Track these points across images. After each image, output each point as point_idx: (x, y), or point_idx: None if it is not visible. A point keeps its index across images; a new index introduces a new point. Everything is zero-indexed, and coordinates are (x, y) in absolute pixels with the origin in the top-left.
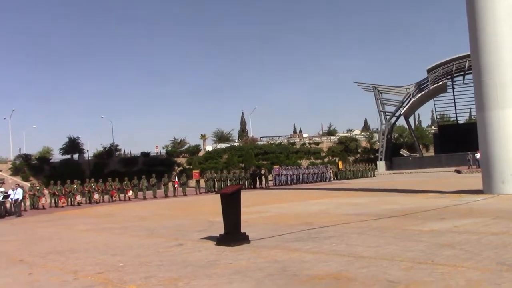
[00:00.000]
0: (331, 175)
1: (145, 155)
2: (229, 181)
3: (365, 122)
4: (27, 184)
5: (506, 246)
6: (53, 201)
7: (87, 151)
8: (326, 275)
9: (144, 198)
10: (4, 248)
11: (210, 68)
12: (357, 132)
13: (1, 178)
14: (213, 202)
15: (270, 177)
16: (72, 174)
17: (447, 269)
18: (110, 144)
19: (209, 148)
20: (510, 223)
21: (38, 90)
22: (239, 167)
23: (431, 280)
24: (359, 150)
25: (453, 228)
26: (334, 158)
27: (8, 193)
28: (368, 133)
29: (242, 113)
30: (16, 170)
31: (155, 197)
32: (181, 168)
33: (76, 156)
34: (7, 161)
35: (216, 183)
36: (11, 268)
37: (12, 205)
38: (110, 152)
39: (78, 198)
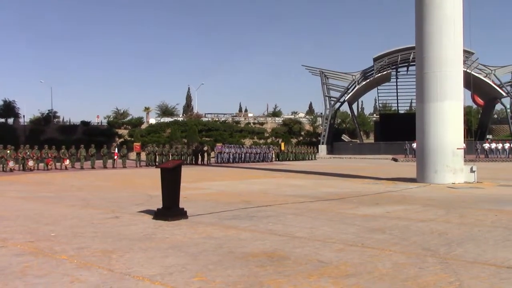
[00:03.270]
0: (273, 156)
1: (85, 124)
2: (170, 156)
3: (310, 106)
4: None
5: (432, 232)
6: None
7: (23, 116)
8: (260, 253)
9: (82, 168)
10: None
11: (158, 38)
12: (301, 115)
13: None
14: (152, 176)
15: (212, 154)
16: (5, 139)
17: (375, 252)
18: (49, 110)
19: (152, 121)
20: (438, 211)
21: None
22: (182, 143)
23: (360, 262)
24: (302, 133)
25: (385, 214)
26: (277, 140)
27: None
28: (312, 117)
29: (188, 88)
30: None
31: (93, 167)
32: (122, 139)
33: (11, 121)
34: None
35: (157, 157)
36: None
37: None
38: (48, 119)
39: (11, 164)
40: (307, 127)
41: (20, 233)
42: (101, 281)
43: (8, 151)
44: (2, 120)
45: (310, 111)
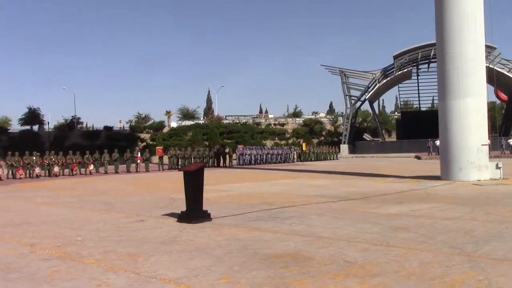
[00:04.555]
0: (295, 157)
1: (108, 129)
2: (192, 159)
3: (331, 106)
4: None
5: (459, 230)
6: (10, 172)
7: (48, 122)
8: (285, 254)
9: (106, 173)
10: None
11: (178, 45)
12: (322, 115)
13: None
14: (175, 179)
15: (234, 156)
16: (31, 146)
17: (401, 251)
18: (72, 116)
19: (174, 125)
20: (464, 208)
21: None
22: (204, 145)
23: (386, 261)
24: (323, 133)
25: (409, 212)
26: (299, 140)
27: None
28: (333, 117)
29: (209, 90)
30: None
31: (116, 172)
32: (144, 143)
33: (36, 128)
34: None
35: (179, 160)
36: None
37: None
38: (71, 125)
39: (37, 170)
40: (328, 126)
41: (47, 238)
42: (128, 284)
43: (34, 158)
44: (28, 127)
45: (331, 110)
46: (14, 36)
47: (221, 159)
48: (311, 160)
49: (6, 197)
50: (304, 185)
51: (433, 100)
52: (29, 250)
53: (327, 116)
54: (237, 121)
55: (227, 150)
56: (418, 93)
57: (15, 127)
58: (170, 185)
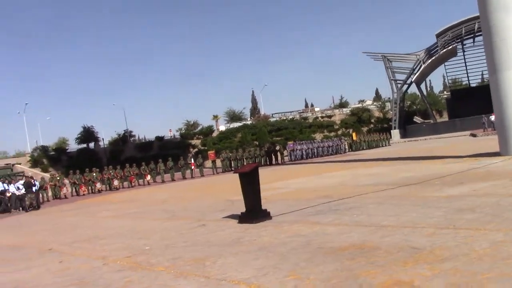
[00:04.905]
0: (346, 147)
1: (160, 139)
2: (244, 160)
3: (376, 92)
4: (47, 175)
5: None
6: (74, 190)
7: (103, 139)
8: (350, 246)
9: (163, 181)
10: (33, 238)
11: (216, 48)
12: (369, 102)
13: (21, 171)
14: (231, 181)
15: (285, 152)
16: (89, 163)
17: (469, 233)
18: (124, 130)
19: (222, 128)
20: None
21: (50, 83)
22: (254, 145)
23: (455, 244)
24: (372, 120)
25: (471, 192)
26: (348, 130)
27: (35, 183)
28: (380, 103)
29: (252, 91)
30: (35, 162)
31: (173, 180)
32: (196, 149)
33: (92, 145)
34: (25, 154)
35: (232, 162)
36: (42, 258)
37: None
38: (124, 139)
39: (98, 185)
40: (377, 113)
41: (117, 250)
42: None
43: (94, 174)
44: (84, 145)
45: (377, 97)
46: (63, 61)
47: (273, 157)
48: (363, 149)
49: (73, 214)
50: (359, 174)
51: (482, 74)
52: (101, 262)
53: (374, 103)
54: (284, 118)
55: (277, 148)
56: (466, 69)
57: (73, 146)
58: (227, 188)
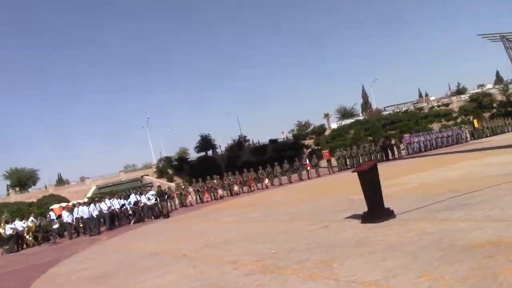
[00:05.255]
0: (467, 136)
1: (273, 142)
2: (360, 157)
3: (497, 74)
4: (173, 185)
5: None
6: (198, 197)
7: (219, 146)
8: (484, 243)
9: (280, 184)
10: (166, 245)
11: (324, 45)
12: (489, 86)
13: (149, 182)
14: (348, 180)
15: (401, 146)
16: (209, 170)
17: None
18: (239, 136)
19: (334, 126)
20: None
21: (169, 96)
22: (368, 141)
23: None
24: (495, 105)
25: None
26: (468, 117)
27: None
28: (502, 86)
29: (362, 86)
30: (160, 173)
31: (290, 182)
32: (310, 149)
33: (210, 152)
34: (151, 165)
35: (347, 160)
36: (177, 264)
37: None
38: (240, 144)
39: (220, 192)
40: (499, 97)
41: (244, 254)
42: None
43: (215, 181)
44: (203, 153)
45: (498, 80)
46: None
47: (389, 151)
48: (486, 136)
49: (199, 221)
50: (487, 164)
51: None
52: (231, 267)
53: (496, 87)
54: (398, 110)
55: (393, 142)
56: None
57: (193, 155)
58: (345, 187)
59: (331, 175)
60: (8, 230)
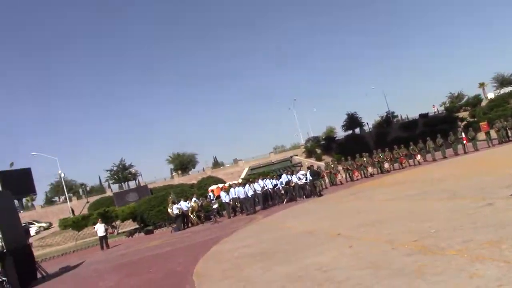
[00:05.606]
0: None
1: (424, 116)
2: None
3: None
4: (322, 164)
5: None
6: (347, 175)
7: (367, 123)
8: None
9: (434, 160)
10: (321, 224)
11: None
12: None
13: (298, 162)
14: (510, 153)
15: None
16: (357, 148)
17: None
18: (386, 112)
19: (491, 95)
20: None
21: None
22: None
23: None
24: None
25: None
26: None
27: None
28: None
29: None
30: (309, 153)
31: (444, 157)
32: (465, 122)
33: (357, 130)
34: (299, 145)
35: (508, 131)
36: (332, 242)
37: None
38: (388, 120)
39: (370, 169)
40: None
41: (402, 233)
42: (501, 274)
43: (365, 158)
44: (350, 131)
45: None
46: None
47: None
48: None
49: (351, 199)
50: None
51: None
52: (389, 247)
53: None
54: None
55: None
56: None
57: (340, 133)
58: (507, 160)
59: (491, 149)
60: (175, 210)
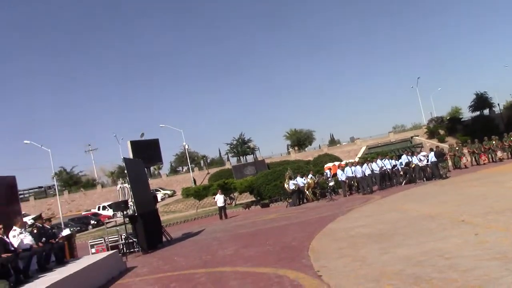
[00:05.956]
0: None
1: None
2: None
3: None
4: (445, 146)
5: None
6: (473, 159)
7: (498, 104)
8: None
9: None
10: (444, 208)
11: None
12: None
13: (419, 143)
14: None
15: None
16: (485, 130)
17: None
18: None
19: None
20: None
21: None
22: None
23: None
24: None
25: None
26: None
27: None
28: None
29: None
30: (431, 134)
31: None
32: None
33: (486, 111)
34: (421, 126)
35: None
36: (456, 229)
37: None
38: None
39: (499, 154)
40: None
41: None
42: None
43: (494, 142)
44: (478, 112)
45: None
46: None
47: None
48: None
49: (477, 184)
50: None
51: None
52: None
53: None
54: None
55: None
56: None
57: (466, 114)
58: None
59: None
60: (291, 185)
